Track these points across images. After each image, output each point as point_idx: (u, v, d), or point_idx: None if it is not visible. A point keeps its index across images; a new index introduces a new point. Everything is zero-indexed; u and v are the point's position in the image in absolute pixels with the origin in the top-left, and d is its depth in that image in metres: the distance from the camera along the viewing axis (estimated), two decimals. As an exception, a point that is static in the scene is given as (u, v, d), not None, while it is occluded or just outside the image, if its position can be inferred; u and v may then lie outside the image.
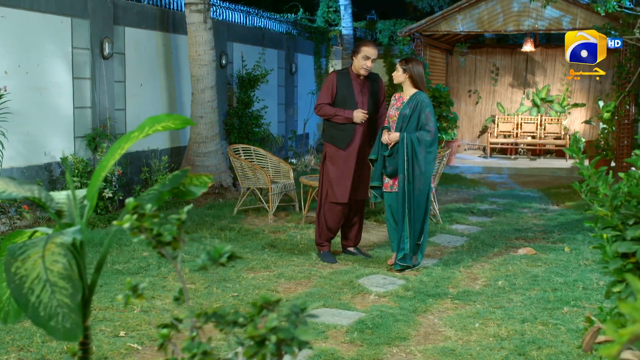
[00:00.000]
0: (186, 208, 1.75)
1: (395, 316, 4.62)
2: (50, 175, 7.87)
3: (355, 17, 17.56)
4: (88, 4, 8.34)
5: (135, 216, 1.64)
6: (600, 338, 2.01)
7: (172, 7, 10.46)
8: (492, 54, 15.44)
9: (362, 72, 6.12)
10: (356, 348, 4.08)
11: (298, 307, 1.67)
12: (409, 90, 5.98)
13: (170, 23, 10.09)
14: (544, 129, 14.74)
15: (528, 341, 4.13)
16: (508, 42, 15.98)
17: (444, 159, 7.93)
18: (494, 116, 15.31)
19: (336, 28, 16.28)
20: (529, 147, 15.01)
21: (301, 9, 15.93)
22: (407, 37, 12.78)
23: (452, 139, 13.35)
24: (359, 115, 6.10)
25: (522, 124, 15.02)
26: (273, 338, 1.50)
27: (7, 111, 6.86)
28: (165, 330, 1.79)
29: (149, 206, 1.76)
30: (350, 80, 6.18)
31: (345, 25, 15.66)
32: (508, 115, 15.23)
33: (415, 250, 5.90)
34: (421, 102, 5.88)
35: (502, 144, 15.01)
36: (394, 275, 5.73)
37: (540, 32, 13.22)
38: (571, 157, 13.78)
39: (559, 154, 14.71)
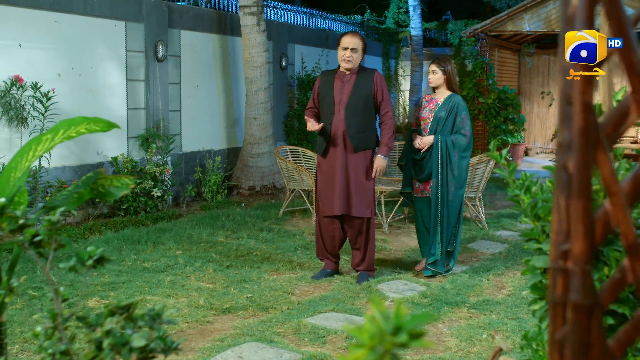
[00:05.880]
0: (59, 210, 1.77)
1: (403, 323, 4.51)
2: (102, 174, 8.14)
3: (428, 17, 17.30)
4: (143, 8, 8.59)
5: (-3, 217, 1.67)
6: (501, 359, 1.89)
7: (229, 9, 10.63)
8: (568, 54, 14.82)
9: (343, 64, 5.49)
10: (350, 354, 4.00)
11: (154, 312, 1.66)
12: (444, 93, 5.84)
13: (228, 25, 10.25)
14: (621, 133, 14.04)
15: (529, 357, 3.92)
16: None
17: (490, 162, 7.67)
18: (568, 119, 14.70)
19: (406, 29, 16.08)
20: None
21: (368, 10, 15.84)
22: (471, 38, 12.46)
23: (519, 142, 12.91)
24: (308, 125, 5.55)
25: (598, 127, 14.36)
26: (106, 342, 1.49)
27: (55, 112, 7.16)
28: (38, 330, 1.81)
29: (22, 207, 1.79)
30: (333, 79, 5.58)
31: (414, 26, 15.43)
32: (583, 118, 14.60)
33: (447, 256, 5.76)
34: (457, 105, 5.75)
35: (575, 147, 14.40)
36: (417, 281, 5.59)
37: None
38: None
39: (635, 158, 13.97)
